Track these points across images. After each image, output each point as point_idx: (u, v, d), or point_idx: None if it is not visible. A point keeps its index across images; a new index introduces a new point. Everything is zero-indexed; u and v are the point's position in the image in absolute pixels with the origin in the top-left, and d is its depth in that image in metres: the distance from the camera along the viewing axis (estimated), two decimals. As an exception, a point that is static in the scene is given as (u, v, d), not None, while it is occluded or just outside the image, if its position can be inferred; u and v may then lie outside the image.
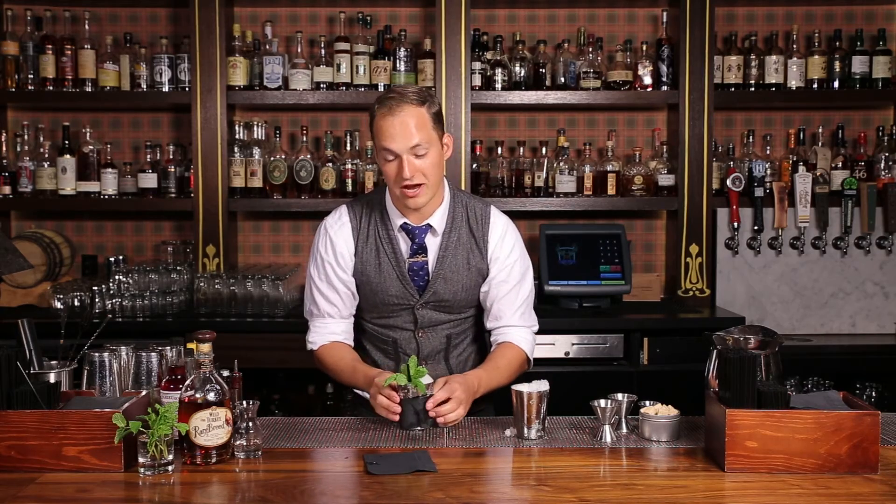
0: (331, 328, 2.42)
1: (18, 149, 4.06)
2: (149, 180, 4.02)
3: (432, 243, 2.36)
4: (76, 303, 3.71)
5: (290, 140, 4.24)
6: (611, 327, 3.66)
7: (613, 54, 4.13)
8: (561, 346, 3.61)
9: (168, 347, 2.23)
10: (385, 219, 2.35)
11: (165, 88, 4.00)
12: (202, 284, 3.76)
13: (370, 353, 2.48)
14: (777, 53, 4.07)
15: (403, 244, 2.35)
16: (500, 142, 4.12)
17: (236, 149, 3.98)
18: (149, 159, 4.07)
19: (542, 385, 2.16)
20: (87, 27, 4.02)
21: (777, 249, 4.05)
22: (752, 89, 4.07)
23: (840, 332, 4.06)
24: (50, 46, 3.97)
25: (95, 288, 3.71)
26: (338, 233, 2.37)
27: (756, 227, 4.03)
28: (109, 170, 4.00)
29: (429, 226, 2.34)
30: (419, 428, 2.16)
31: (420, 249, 2.34)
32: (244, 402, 2.04)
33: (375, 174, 3.96)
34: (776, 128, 4.29)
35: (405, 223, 2.33)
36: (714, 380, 2.17)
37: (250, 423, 2.01)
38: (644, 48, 4.07)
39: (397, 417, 2.15)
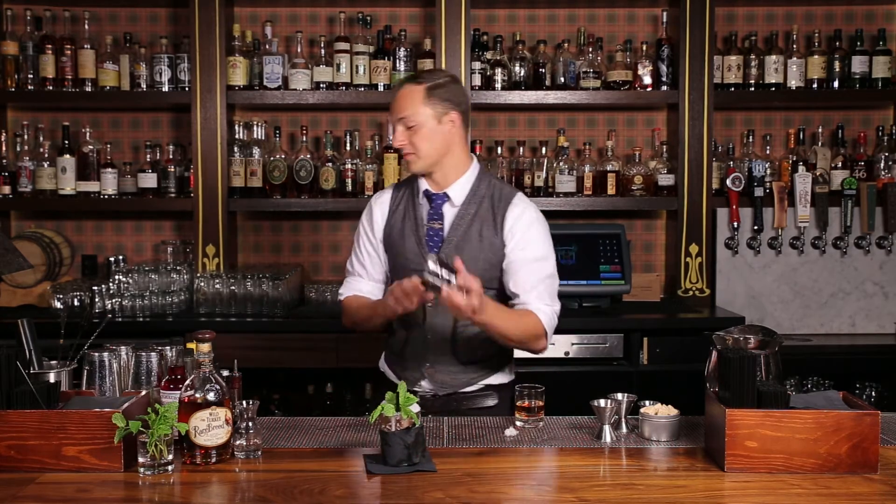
0: (358, 286, 2.59)
1: (18, 149, 4.06)
2: (149, 180, 4.02)
3: (449, 213, 2.46)
4: (76, 303, 3.71)
5: (289, 140, 4.24)
6: (611, 327, 3.66)
7: (613, 54, 4.13)
8: (561, 345, 3.61)
9: (168, 347, 2.24)
10: (415, 186, 2.51)
11: (165, 88, 4.00)
12: (202, 284, 3.76)
13: (393, 322, 2.52)
14: (777, 53, 4.07)
15: (424, 209, 2.48)
16: (500, 142, 4.12)
17: (236, 149, 3.98)
18: (149, 159, 4.07)
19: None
20: (86, 27, 4.02)
21: (777, 249, 4.05)
22: (752, 89, 4.07)
23: (840, 332, 4.06)
24: (50, 46, 3.97)
25: (95, 288, 3.71)
26: (377, 202, 2.57)
27: (756, 227, 4.04)
28: (109, 170, 4.00)
29: (446, 195, 2.46)
30: (408, 465, 1.92)
31: (436, 216, 2.46)
32: (244, 402, 2.04)
33: (375, 174, 3.96)
34: (776, 128, 4.29)
35: (427, 190, 2.48)
36: (714, 380, 2.17)
37: (250, 423, 2.01)
38: (644, 48, 4.07)
39: (413, 304, 2.21)
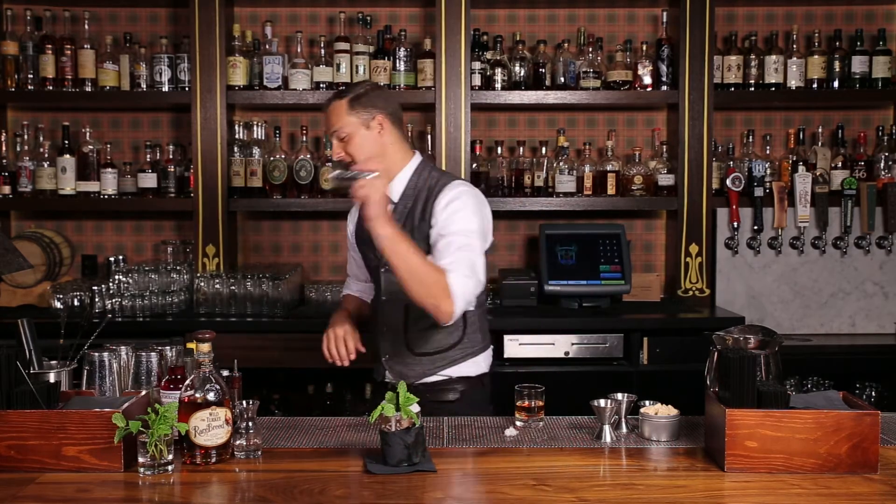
0: (351, 286, 2.85)
1: (18, 149, 4.06)
2: (149, 180, 4.02)
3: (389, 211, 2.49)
4: (76, 303, 3.71)
5: (289, 140, 4.24)
6: (611, 327, 3.66)
7: (613, 54, 4.13)
8: (561, 345, 3.61)
9: (168, 347, 2.24)
10: None
11: (165, 88, 4.00)
12: (202, 284, 3.76)
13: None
14: (777, 53, 4.07)
15: None
16: (500, 142, 4.12)
17: (236, 149, 3.98)
18: (149, 159, 4.07)
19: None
20: (86, 27, 4.02)
21: (777, 249, 4.05)
22: (752, 89, 4.07)
23: (840, 332, 4.06)
24: (50, 46, 3.97)
25: (95, 288, 3.71)
26: (353, 209, 2.73)
27: (756, 227, 4.04)
28: (109, 170, 4.00)
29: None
30: (408, 465, 1.92)
31: None
32: (244, 402, 2.04)
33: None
34: (776, 128, 4.29)
35: None
36: (714, 380, 2.17)
37: (250, 423, 2.01)
38: (644, 48, 4.07)
39: (334, 359, 2.54)
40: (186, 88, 3.98)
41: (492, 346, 2.66)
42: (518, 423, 2.26)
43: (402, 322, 2.54)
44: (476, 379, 2.57)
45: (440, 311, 2.28)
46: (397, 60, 3.98)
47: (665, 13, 4.10)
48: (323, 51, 4.01)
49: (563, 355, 3.62)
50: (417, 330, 2.52)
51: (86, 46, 3.98)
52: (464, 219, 2.40)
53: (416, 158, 2.56)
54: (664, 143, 4.13)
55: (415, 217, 2.48)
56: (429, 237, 2.44)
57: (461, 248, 2.34)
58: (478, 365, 2.58)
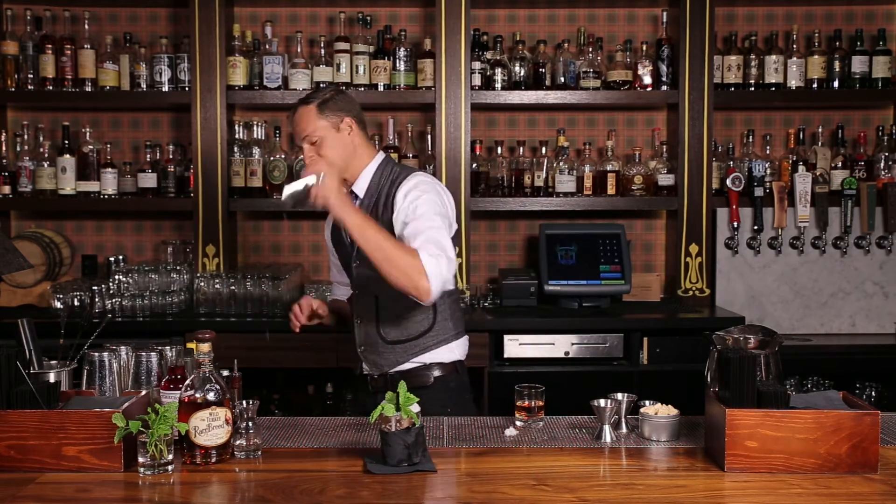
0: (336, 292, 2.89)
1: (18, 149, 4.06)
2: (149, 180, 4.02)
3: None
4: (76, 303, 3.71)
5: (289, 140, 4.24)
6: (611, 327, 3.66)
7: (613, 54, 4.13)
8: (561, 345, 3.61)
9: (168, 347, 2.24)
10: None
11: (165, 88, 4.00)
12: (202, 284, 3.76)
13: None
14: (777, 53, 4.07)
15: None
16: (500, 141, 4.12)
17: (236, 149, 3.98)
18: (149, 159, 4.07)
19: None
20: (86, 27, 4.02)
21: (777, 249, 4.05)
22: (752, 89, 4.07)
23: (840, 332, 4.06)
24: (50, 46, 3.97)
25: (95, 288, 3.71)
26: (328, 216, 2.71)
27: (756, 227, 4.04)
28: (109, 170, 4.00)
29: (353, 192, 2.61)
30: (408, 465, 1.91)
31: None
32: (244, 402, 2.04)
33: (375, 174, 3.95)
34: (776, 128, 4.29)
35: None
36: (714, 380, 2.17)
37: (250, 423, 2.01)
38: (644, 48, 4.07)
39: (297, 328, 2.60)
40: (186, 88, 3.98)
41: (466, 336, 2.67)
42: (518, 423, 2.26)
43: (374, 312, 2.60)
44: (450, 365, 2.60)
45: (419, 290, 2.27)
46: (397, 60, 3.98)
47: (665, 13, 4.10)
48: (323, 51, 4.01)
49: (563, 355, 3.62)
50: (388, 319, 2.58)
51: (86, 46, 3.98)
52: (424, 203, 2.43)
53: (380, 156, 2.64)
54: (664, 143, 4.13)
55: (378, 209, 2.54)
56: (393, 227, 2.46)
57: (425, 231, 2.35)
58: (452, 352, 2.61)
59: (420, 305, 2.46)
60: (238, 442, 2.00)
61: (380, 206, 2.55)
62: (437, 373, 2.58)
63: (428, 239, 2.33)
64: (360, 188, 2.60)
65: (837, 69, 4.05)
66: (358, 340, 2.65)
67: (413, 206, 2.43)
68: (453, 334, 2.62)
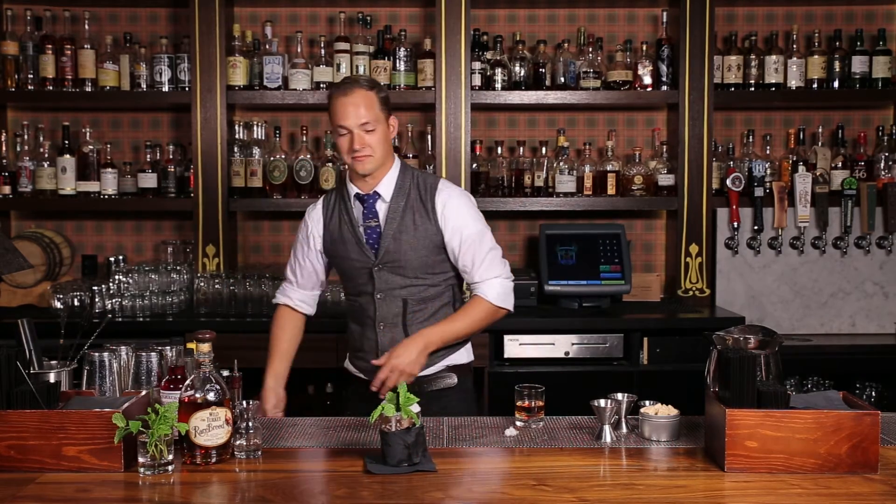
0: (288, 292, 2.77)
1: (18, 149, 4.06)
2: (149, 180, 4.02)
3: (382, 209, 2.57)
4: (76, 303, 3.71)
5: (289, 140, 4.24)
6: (611, 327, 3.66)
7: (613, 54, 4.13)
8: (561, 346, 3.61)
9: (168, 347, 2.24)
10: (344, 192, 2.63)
11: (165, 88, 4.00)
12: (202, 284, 3.76)
13: (349, 322, 2.70)
14: (777, 53, 4.06)
15: (357, 211, 2.59)
16: (500, 142, 4.12)
17: (236, 149, 3.98)
18: (149, 159, 4.07)
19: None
20: (86, 27, 4.02)
21: (777, 249, 4.05)
22: (752, 89, 4.07)
23: (840, 332, 4.06)
24: (50, 46, 3.97)
25: (95, 288, 3.71)
26: (310, 216, 2.70)
27: (756, 227, 4.03)
28: (109, 170, 4.00)
29: (377, 193, 2.56)
30: (408, 465, 1.92)
31: (371, 215, 2.57)
32: (244, 402, 2.04)
33: (375, 174, 3.95)
34: (776, 128, 4.29)
35: (357, 192, 2.58)
36: (714, 380, 2.17)
37: (250, 423, 2.01)
38: (644, 48, 4.07)
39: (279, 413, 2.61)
40: (186, 88, 3.98)
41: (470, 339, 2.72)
42: (518, 423, 2.26)
43: (401, 316, 2.56)
44: (466, 367, 2.65)
45: (500, 318, 2.63)
46: (397, 60, 3.98)
47: (665, 13, 4.10)
48: (323, 51, 4.01)
49: (563, 355, 3.62)
50: (416, 323, 2.55)
51: (86, 46, 3.98)
52: (472, 218, 2.57)
53: (398, 160, 2.63)
54: (664, 143, 4.13)
55: (414, 214, 2.54)
56: (432, 232, 2.54)
57: (488, 251, 2.57)
58: (468, 352, 2.67)
59: (443, 307, 2.59)
60: (238, 442, 2.00)
61: (412, 211, 2.54)
62: (457, 375, 2.60)
63: (491, 261, 2.58)
64: (385, 190, 2.56)
65: (837, 69, 4.05)
66: (380, 346, 2.57)
67: (462, 221, 2.53)
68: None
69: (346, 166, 2.61)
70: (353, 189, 2.59)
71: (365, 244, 2.56)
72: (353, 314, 2.67)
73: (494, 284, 2.58)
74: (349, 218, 2.59)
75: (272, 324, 2.78)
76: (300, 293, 2.76)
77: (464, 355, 2.65)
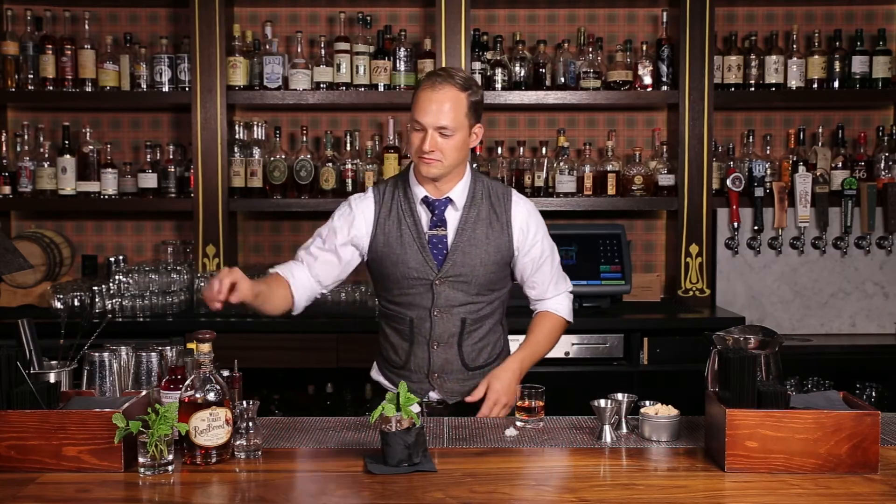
0: (293, 269, 2.46)
1: (18, 149, 4.06)
2: (149, 180, 4.02)
3: (452, 217, 2.41)
4: (76, 303, 3.71)
5: (290, 140, 4.24)
6: (611, 327, 3.66)
7: (613, 54, 4.13)
8: (561, 346, 3.59)
9: (168, 347, 2.23)
10: (408, 192, 2.42)
11: (165, 88, 4.00)
12: (202, 284, 3.76)
13: (389, 335, 2.50)
14: (777, 53, 4.07)
15: (424, 216, 2.41)
16: (500, 142, 4.12)
17: (236, 149, 3.98)
18: (149, 159, 4.07)
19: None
20: (87, 27, 4.02)
21: (777, 249, 4.05)
22: (752, 89, 4.07)
23: (840, 332, 4.06)
24: (50, 46, 3.97)
25: (95, 288, 3.71)
26: (359, 206, 2.45)
27: (756, 227, 4.03)
28: (109, 170, 4.00)
29: (449, 199, 2.40)
30: (408, 465, 1.91)
31: (439, 223, 2.40)
32: (244, 402, 2.04)
33: (375, 174, 3.96)
34: (776, 128, 4.29)
35: (426, 196, 2.40)
36: (714, 380, 2.17)
37: (250, 423, 2.01)
38: (644, 48, 4.07)
39: (218, 305, 2.18)
40: (186, 88, 3.98)
41: None
42: (518, 423, 2.26)
43: (458, 336, 2.42)
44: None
45: (565, 329, 2.64)
46: (397, 60, 3.98)
47: (665, 13, 4.10)
48: (323, 51, 4.01)
49: (563, 355, 3.62)
50: (470, 343, 2.45)
51: (86, 46, 3.98)
52: (545, 233, 2.52)
53: (468, 166, 2.48)
54: (664, 144, 4.13)
55: (488, 227, 2.41)
56: (504, 246, 2.43)
57: (557, 269, 2.56)
58: None
59: (495, 326, 2.52)
60: (238, 442, 2.00)
61: (485, 223, 2.40)
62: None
63: (560, 276, 2.58)
64: (458, 196, 2.40)
65: (837, 69, 4.05)
66: (432, 367, 2.44)
67: (540, 237, 2.48)
68: (507, 350, 2.59)
69: (413, 168, 2.42)
70: (420, 191, 2.40)
71: (429, 253, 2.38)
72: (397, 327, 2.47)
73: (564, 300, 2.58)
74: (413, 222, 2.39)
75: (266, 280, 2.47)
76: (304, 277, 2.45)
77: None
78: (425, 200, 2.41)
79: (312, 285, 2.47)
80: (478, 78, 3.97)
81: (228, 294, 2.21)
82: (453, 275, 2.39)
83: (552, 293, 2.56)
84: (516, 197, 2.49)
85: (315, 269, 2.45)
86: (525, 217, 2.46)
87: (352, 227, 2.43)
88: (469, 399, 2.42)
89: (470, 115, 2.34)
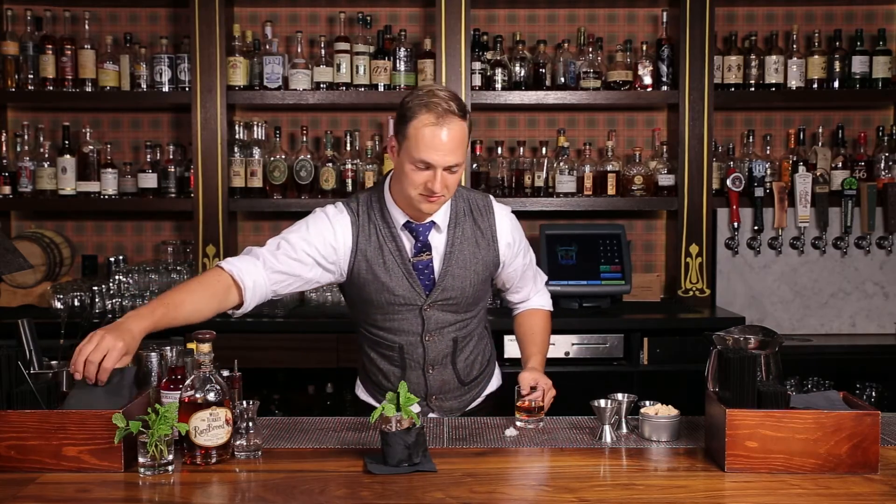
0: (246, 265, 2.21)
1: (18, 149, 4.06)
2: (149, 180, 4.02)
3: (437, 240, 2.28)
4: (76, 303, 3.70)
5: (290, 140, 4.24)
6: (611, 327, 3.66)
7: (613, 54, 4.13)
8: (561, 346, 3.61)
9: (168, 347, 2.23)
10: (386, 217, 2.27)
11: (165, 88, 4.00)
12: (202, 284, 3.75)
13: (376, 361, 2.39)
14: (777, 53, 4.07)
15: (407, 243, 2.27)
16: (501, 142, 4.12)
17: (236, 149, 3.98)
18: (149, 159, 4.07)
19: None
20: (87, 27, 4.02)
21: (777, 249, 4.05)
22: (752, 89, 4.07)
23: (840, 332, 4.06)
24: (50, 46, 3.97)
25: (95, 288, 3.71)
26: (337, 221, 2.27)
27: (756, 227, 4.04)
28: (109, 170, 4.00)
29: (432, 223, 2.27)
30: (408, 465, 1.90)
31: (424, 248, 2.27)
32: (244, 402, 2.04)
33: (375, 174, 3.95)
34: (776, 128, 4.29)
35: (408, 221, 2.26)
36: (714, 380, 2.17)
37: (250, 423, 2.01)
38: (644, 48, 4.07)
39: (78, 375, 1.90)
40: (186, 88, 3.98)
41: None
42: (518, 423, 2.26)
43: (451, 356, 2.37)
44: (500, 389, 2.58)
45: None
46: (397, 60, 3.98)
47: (665, 13, 4.10)
48: (323, 51, 4.01)
49: (563, 355, 3.62)
50: (464, 359, 2.40)
51: (86, 46, 3.98)
52: (524, 238, 2.48)
53: None
54: (664, 144, 4.13)
55: (475, 245, 2.31)
56: (489, 259, 2.34)
57: (535, 265, 2.56)
58: (498, 378, 2.59)
59: (481, 338, 2.48)
60: (238, 442, 2.00)
61: (469, 242, 2.30)
62: (492, 401, 2.53)
63: (536, 274, 2.58)
64: (441, 219, 2.27)
65: (837, 69, 4.05)
66: (429, 390, 2.37)
67: (523, 246, 2.46)
68: (495, 358, 2.60)
69: (390, 189, 2.26)
70: (401, 216, 2.25)
71: (416, 280, 2.27)
72: (385, 353, 2.37)
73: (545, 293, 2.62)
74: (397, 248, 2.25)
75: (206, 274, 2.22)
76: (258, 275, 2.19)
77: (496, 380, 2.57)
78: (407, 226, 2.26)
79: (266, 292, 2.24)
80: (478, 78, 3.97)
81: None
82: (443, 299, 2.30)
83: (536, 292, 2.59)
84: (497, 208, 2.37)
85: (274, 277, 2.24)
86: (510, 230, 2.37)
87: (326, 244, 2.25)
88: (527, 395, 2.26)
89: (468, 138, 2.21)
